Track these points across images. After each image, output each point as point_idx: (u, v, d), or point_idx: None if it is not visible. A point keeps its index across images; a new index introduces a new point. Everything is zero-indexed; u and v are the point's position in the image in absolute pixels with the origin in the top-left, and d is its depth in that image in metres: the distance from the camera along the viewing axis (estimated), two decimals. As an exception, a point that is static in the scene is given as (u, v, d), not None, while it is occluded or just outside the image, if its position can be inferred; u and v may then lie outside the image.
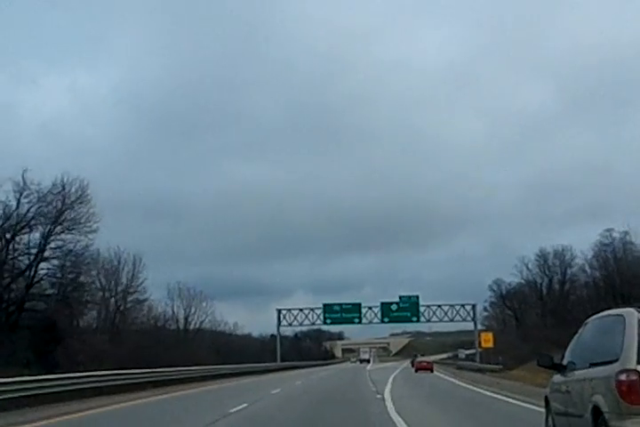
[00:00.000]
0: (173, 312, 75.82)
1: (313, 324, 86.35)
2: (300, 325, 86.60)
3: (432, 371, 65.29)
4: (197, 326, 78.96)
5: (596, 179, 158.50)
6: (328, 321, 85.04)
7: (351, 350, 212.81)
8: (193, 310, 77.57)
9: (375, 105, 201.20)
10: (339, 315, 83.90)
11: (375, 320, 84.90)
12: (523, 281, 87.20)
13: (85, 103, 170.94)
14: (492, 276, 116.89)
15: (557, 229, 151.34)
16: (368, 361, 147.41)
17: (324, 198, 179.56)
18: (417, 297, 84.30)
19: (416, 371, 66.40)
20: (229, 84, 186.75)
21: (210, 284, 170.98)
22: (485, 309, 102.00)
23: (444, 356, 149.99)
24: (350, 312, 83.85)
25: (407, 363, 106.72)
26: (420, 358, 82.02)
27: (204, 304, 78.69)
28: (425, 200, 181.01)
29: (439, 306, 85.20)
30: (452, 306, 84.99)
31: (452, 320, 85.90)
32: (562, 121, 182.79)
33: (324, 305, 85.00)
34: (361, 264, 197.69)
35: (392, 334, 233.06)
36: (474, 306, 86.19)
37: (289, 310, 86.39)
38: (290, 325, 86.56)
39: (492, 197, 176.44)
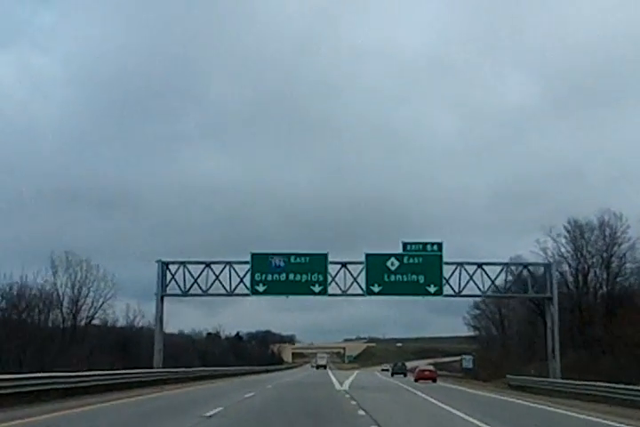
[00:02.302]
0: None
1: (231, 293, 41.23)
2: (206, 293, 41.30)
3: (435, 381, 56.93)
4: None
5: (567, 186, 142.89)
6: (259, 288, 40.04)
7: (302, 355, 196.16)
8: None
9: (343, 95, 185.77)
10: (282, 278, 39.68)
11: (355, 290, 40.56)
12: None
13: (35, 82, 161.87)
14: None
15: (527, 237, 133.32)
16: (325, 367, 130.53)
17: (284, 196, 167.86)
18: (439, 246, 40.55)
19: (416, 380, 56.96)
20: (189, 66, 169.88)
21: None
22: (477, 305, 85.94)
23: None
24: (305, 272, 39.70)
25: (374, 372, 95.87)
26: (422, 367, 67.87)
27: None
28: (389, 203, 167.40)
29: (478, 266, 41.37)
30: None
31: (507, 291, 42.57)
32: (542, 119, 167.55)
33: (253, 256, 40.23)
34: None
35: (346, 340, 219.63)
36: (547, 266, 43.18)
37: (182, 263, 41.41)
38: (185, 293, 41.38)
39: (459, 202, 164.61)
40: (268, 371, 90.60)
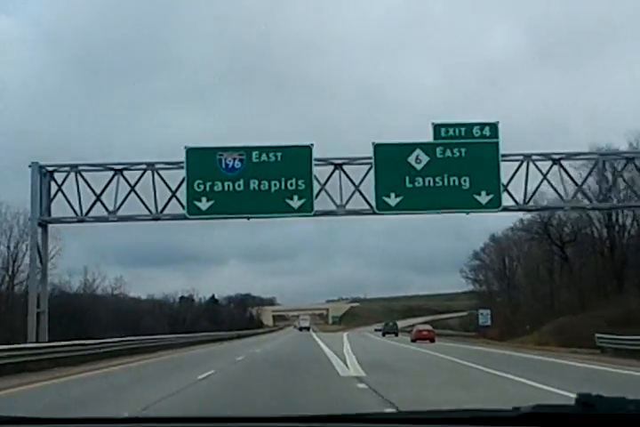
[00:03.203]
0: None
1: (157, 215, 24.76)
2: (116, 215, 24.77)
3: (433, 341, 54.31)
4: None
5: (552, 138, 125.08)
6: (201, 205, 23.57)
7: (283, 318, 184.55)
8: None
9: (323, 50, 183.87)
10: (239, 186, 23.33)
11: (357, 204, 24.38)
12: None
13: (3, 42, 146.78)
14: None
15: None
16: (308, 329, 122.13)
17: None
18: (494, 129, 24.30)
19: (413, 341, 54.59)
20: (162, 23, 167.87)
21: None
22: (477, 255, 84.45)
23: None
24: (277, 177, 23.37)
25: (366, 333, 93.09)
26: (419, 327, 62.29)
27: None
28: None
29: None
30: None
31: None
32: (525, 70, 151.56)
33: (189, 153, 23.77)
34: (299, 230, 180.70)
35: (328, 301, 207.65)
36: None
37: (75, 168, 24.82)
38: (82, 217, 24.93)
39: None
40: (239, 336, 74.70)
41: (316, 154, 24.01)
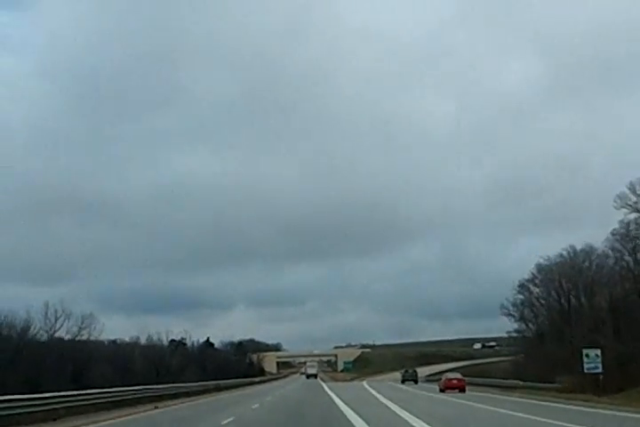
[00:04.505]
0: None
1: None
2: None
3: (464, 390, 50.51)
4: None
5: (569, 178, 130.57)
6: None
7: (289, 365, 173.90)
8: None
9: (334, 81, 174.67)
10: None
11: None
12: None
13: (4, 79, 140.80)
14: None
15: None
16: (315, 376, 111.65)
17: (271, 197, 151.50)
18: None
19: (442, 391, 51.02)
20: (166, 58, 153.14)
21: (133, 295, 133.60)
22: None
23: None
24: None
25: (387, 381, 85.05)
26: (449, 375, 57.06)
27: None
28: (380, 201, 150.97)
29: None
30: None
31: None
32: (542, 105, 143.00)
33: None
34: (307, 275, 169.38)
35: (336, 347, 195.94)
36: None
37: None
38: None
39: (454, 199, 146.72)
40: (218, 388, 55.78)
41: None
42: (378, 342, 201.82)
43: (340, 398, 34.56)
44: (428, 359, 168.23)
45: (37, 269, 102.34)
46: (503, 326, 76.69)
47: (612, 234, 56.51)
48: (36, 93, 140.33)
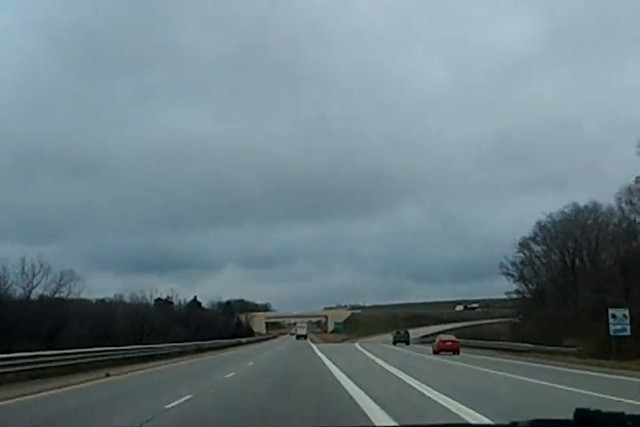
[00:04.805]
0: None
1: None
2: None
3: (458, 353, 49.38)
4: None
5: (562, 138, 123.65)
6: None
7: (278, 325, 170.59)
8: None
9: (330, 42, 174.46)
10: None
11: None
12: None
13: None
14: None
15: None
16: (305, 337, 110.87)
17: (263, 157, 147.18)
18: None
19: (436, 352, 49.95)
20: (161, 14, 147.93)
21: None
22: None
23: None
24: None
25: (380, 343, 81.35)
26: (442, 337, 56.86)
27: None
28: (372, 161, 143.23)
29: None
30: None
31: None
32: (541, 64, 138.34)
33: None
34: (297, 236, 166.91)
35: (326, 308, 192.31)
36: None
37: None
38: None
39: (446, 159, 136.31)
40: (199, 350, 51.87)
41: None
42: (368, 304, 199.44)
43: (336, 365, 30.55)
44: (419, 321, 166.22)
45: (22, 228, 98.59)
46: (493, 288, 74.52)
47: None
48: (25, 49, 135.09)
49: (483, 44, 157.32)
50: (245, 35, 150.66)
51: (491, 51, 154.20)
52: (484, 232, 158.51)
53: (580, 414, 2.45)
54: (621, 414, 2.46)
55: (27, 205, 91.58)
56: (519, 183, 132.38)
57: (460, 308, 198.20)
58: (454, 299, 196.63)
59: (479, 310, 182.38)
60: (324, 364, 31.76)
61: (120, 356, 32.72)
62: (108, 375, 24.26)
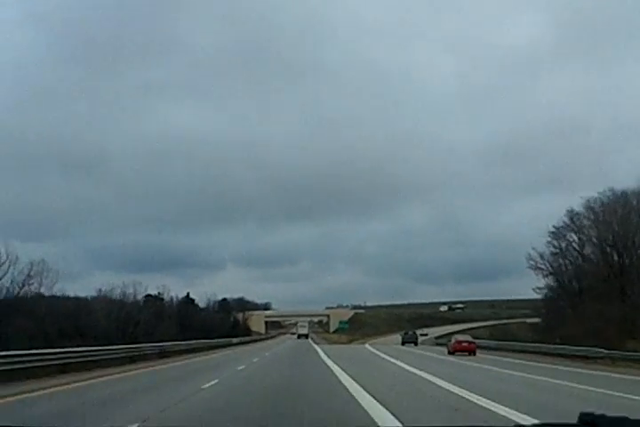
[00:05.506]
0: None
1: None
2: None
3: (474, 353, 48.68)
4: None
5: (570, 138, 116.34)
6: None
7: (278, 325, 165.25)
8: None
9: (333, 35, 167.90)
10: None
11: None
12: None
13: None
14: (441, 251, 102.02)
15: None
16: (307, 336, 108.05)
17: (265, 154, 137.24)
18: None
19: (451, 353, 49.30)
20: (158, 9, 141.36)
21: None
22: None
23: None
24: None
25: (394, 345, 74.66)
26: (458, 337, 54.89)
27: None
28: (376, 160, 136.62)
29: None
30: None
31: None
32: (549, 62, 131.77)
33: None
34: (299, 235, 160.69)
35: (328, 307, 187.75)
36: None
37: None
38: None
39: (452, 159, 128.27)
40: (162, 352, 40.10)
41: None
42: (369, 304, 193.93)
43: (360, 385, 17.64)
44: (423, 321, 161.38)
45: (17, 225, 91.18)
46: (497, 289, 67.93)
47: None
48: (23, 42, 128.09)
49: (489, 41, 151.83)
50: (246, 31, 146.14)
51: (498, 48, 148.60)
52: (489, 232, 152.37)
53: (585, 417, 2.45)
54: (626, 419, 2.45)
55: (22, 202, 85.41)
56: (524, 184, 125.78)
57: (444, 308, 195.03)
58: (454, 299, 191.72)
59: (463, 310, 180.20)
60: (341, 385, 18.63)
61: (66, 360, 23.54)
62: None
